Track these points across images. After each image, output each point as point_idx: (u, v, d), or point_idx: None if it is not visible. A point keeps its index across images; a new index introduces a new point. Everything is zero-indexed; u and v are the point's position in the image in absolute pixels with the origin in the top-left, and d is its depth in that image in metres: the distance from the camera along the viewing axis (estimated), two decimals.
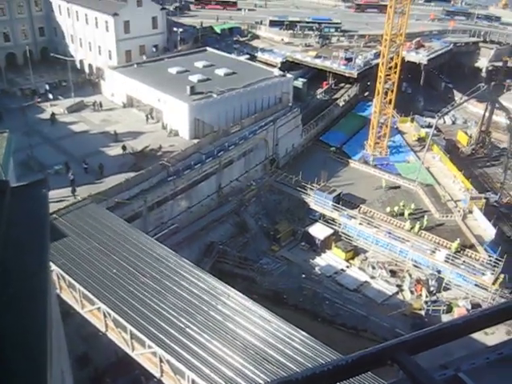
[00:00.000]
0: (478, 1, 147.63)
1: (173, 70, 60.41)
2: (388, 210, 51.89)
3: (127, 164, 46.20)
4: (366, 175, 59.77)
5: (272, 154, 58.72)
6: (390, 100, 61.66)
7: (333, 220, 51.27)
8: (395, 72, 59.86)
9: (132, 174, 43.08)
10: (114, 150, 48.57)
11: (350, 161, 62.61)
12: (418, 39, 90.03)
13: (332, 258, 48.42)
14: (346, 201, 53.06)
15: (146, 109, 56.16)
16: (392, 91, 61.00)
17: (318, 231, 49.80)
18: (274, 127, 57.60)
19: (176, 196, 45.76)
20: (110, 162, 46.11)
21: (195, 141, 50.61)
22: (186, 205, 47.38)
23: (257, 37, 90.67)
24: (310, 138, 66.01)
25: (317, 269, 46.89)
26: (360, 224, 49.96)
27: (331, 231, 49.99)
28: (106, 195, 39.63)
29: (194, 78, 57.59)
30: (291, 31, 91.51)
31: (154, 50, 71.91)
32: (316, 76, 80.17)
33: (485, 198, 54.83)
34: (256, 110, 57.96)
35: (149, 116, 55.35)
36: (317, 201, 52.21)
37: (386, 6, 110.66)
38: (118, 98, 59.35)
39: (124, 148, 48.08)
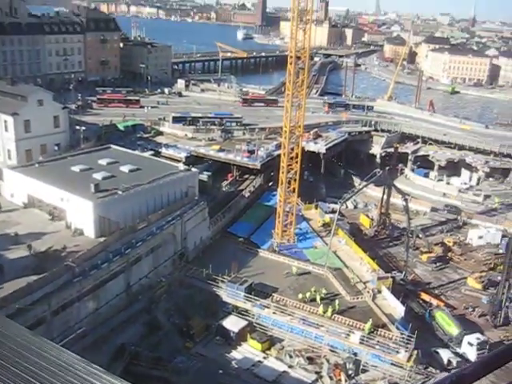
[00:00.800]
0: (366, 94, 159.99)
1: (76, 169, 59.34)
2: (300, 296, 52.10)
3: (29, 266, 43.79)
4: (275, 263, 60.22)
5: (181, 249, 58.09)
6: (294, 188, 63.62)
7: (246, 311, 50.63)
8: (296, 162, 62.23)
9: (34, 277, 40.77)
10: (15, 253, 46.02)
11: (259, 250, 63.02)
12: (315, 130, 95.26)
13: (248, 350, 47.31)
14: (258, 290, 52.84)
15: (48, 208, 54.32)
16: (295, 180, 63.10)
17: (232, 324, 48.84)
18: (182, 221, 57.41)
19: (83, 297, 43.56)
20: (10, 265, 43.48)
21: (101, 239, 49.09)
22: (94, 306, 45.16)
23: (160, 133, 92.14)
24: (217, 230, 66.21)
25: (234, 363, 45.51)
26: (274, 313, 49.67)
27: (245, 323, 49.16)
28: (6, 301, 37.05)
29: (98, 176, 56.79)
30: (194, 126, 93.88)
31: (56, 148, 70.86)
32: (221, 169, 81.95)
33: (391, 277, 56.72)
34: (163, 205, 57.66)
35: (52, 216, 53.49)
36: (229, 293, 51.63)
37: (271, 100, 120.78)
38: (18, 198, 57.10)
39: (29, 247, 45.79)
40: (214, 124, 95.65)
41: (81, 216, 50.89)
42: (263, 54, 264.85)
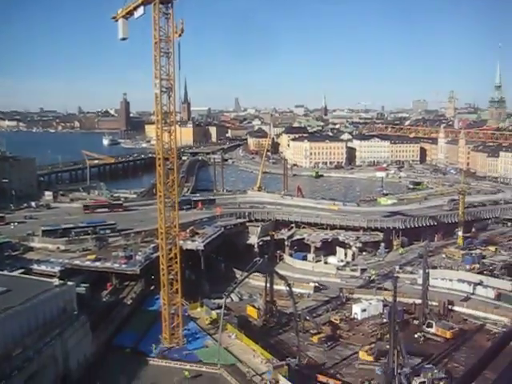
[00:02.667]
0: (238, 187, 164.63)
1: None
2: None
3: None
4: (167, 370, 57.39)
5: (63, 370, 53.73)
6: (177, 289, 62.23)
7: None
8: (176, 262, 61.30)
9: None
10: None
11: (148, 359, 59.87)
12: (191, 228, 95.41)
13: None
14: None
15: None
16: (177, 281, 61.84)
17: None
18: (62, 340, 53.49)
19: None
20: None
21: None
22: None
23: (30, 249, 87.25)
24: (102, 343, 62.24)
25: None
26: None
27: None
28: None
29: None
30: (66, 238, 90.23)
31: None
32: (99, 279, 78.63)
33: (286, 365, 56.16)
34: (38, 326, 53.51)
35: None
36: None
37: (116, 204, 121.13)
38: None
39: None
40: (87, 233, 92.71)
41: None
42: (131, 157, 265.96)
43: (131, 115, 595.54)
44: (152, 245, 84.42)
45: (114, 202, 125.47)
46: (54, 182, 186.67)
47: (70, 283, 63.37)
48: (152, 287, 78.18)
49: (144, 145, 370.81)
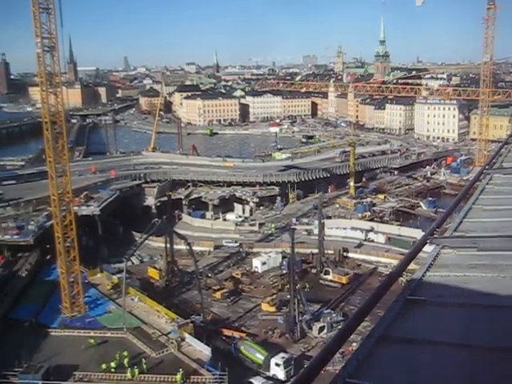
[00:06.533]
0: (132, 148, 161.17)
1: None
2: (104, 366, 49.32)
3: None
4: (70, 340, 56.24)
5: None
6: (75, 257, 60.61)
7: None
8: (72, 229, 59.46)
9: None
10: None
11: (49, 330, 58.29)
12: (85, 193, 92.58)
13: None
14: (57, 373, 48.78)
15: None
16: (74, 248, 60.17)
17: None
18: None
19: None
20: None
21: None
22: None
23: None
24: None
25: None
26: None
27: None
28: None
29: None
30: None
31: None
32: None
33: (191, 322, 57.01)
34: None
35: None
36: None
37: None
38: None
39: None
40: None
41: None
42: (15, 123, 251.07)
43: (12, 77, 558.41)
44: (45, 213, 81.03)
45: None
46: None
47: None
48: (48, 257, 75.51)
49: (29, 108, 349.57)
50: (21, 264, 74.44)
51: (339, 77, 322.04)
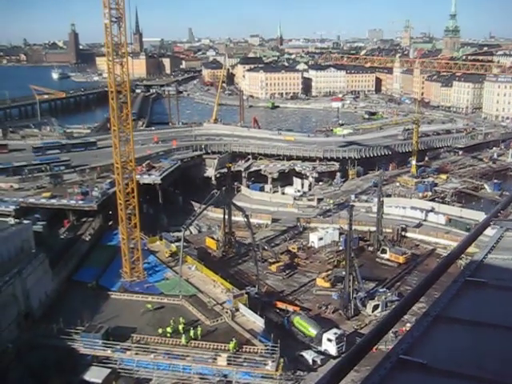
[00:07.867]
0: (193, 119, 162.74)
1: None
2: (160, 331, 50.95)
3: None
4: (129, 303, 58.27)
5: (24, 308, 53.87)
6: (135, 224, 62.30)
7: (107, 358, 48.32)
8: (133, 196, 61.08)
9: None
10: None
11: (109, 293, 60.57)
12: (147, 162, 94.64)
13: None
14: (116, 334, 50.73)
15: None
16: (135, 215, 61.85)
17: (94, 375, 46.25)
18: (21, 279, 53.32)
19: None
20: None
21: None
22: None
23: None
24: (62, 280, 62.44)
25: None
26: (136, 354, 48.00)
27: (108, 371, 46.86)
28: None
29: None
30: (19, 176, 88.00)
31: None
32: (56, 216, 77.81)
33: (246, 293, 57.81)
34: None
35: None
36: (85, 344, 48.83)
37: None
38: None
39: None
40: (41, 170, 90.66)
41: None
42: (82, 92, 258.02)
43: (81, 47, 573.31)
44: (108, 180, 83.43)
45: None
46: (3, 119, 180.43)
47: (26, 222, 62.66)
48: (110, 222, 78.06)
49: (96, 78, 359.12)
50: (84, 228, 77.29)
51: (405, 52, 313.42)
